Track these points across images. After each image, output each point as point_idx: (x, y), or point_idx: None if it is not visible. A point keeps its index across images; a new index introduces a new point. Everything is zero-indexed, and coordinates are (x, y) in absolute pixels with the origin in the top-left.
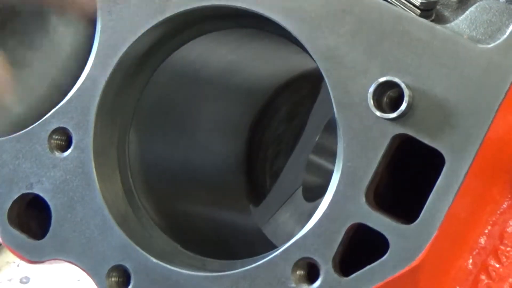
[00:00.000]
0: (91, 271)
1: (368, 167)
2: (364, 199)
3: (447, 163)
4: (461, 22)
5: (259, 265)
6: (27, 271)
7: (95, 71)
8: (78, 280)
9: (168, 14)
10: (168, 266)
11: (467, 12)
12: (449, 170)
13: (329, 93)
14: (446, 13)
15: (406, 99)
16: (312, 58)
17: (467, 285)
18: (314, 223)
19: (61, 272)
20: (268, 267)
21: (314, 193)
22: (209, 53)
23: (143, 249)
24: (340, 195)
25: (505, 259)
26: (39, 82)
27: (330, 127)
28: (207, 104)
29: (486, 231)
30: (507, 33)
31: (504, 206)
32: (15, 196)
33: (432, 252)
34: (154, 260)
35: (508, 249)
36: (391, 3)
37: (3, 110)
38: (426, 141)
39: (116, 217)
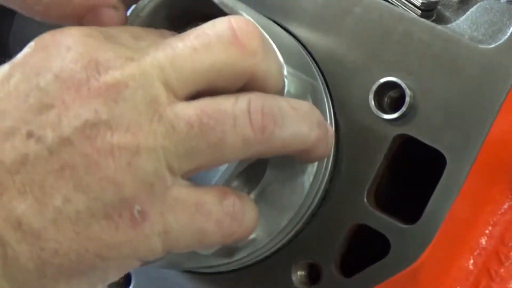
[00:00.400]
0: None
1: (369, 168)
2: (365, 200)
3: (449, 164)
4: (462, 23)
5: (260, 265)
6: None
7: None
8: None
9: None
10: None
11: (468, 12)
12: (450, 170)
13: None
14: (447, 14)
15: (407, 99)
16: (313, 58)
17: (468, 286)
18: (315, 223)
19: None
20: (269, 267)
21: None
22: None
23: None
24: (341, 196)
25: (506, 260)
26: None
27: None
28: None
29: (487, 231)
30: (508, 34)
31: (505, 206)
32: None
33: (433, 253)
34: None
35: (509, 250)
36: (391, 3)
37: None
38: (427, 141)
39: None
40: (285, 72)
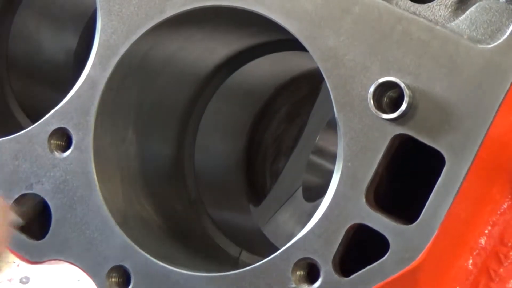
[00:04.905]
0: (91, 272)
1: (368, 167)
2: (364, 199)
3: (447, 163)
4: (461, 22)
5: (259, 265)
6: (27, 271)
7: (94, 71)
8: (78, 280)
9: (168, 14)
10: (168, 266)
11: (467, 12)
12: (449, 170)
13: (329, 93)
14: (446, 13)
15: (406, 99)
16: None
17: (467, 286)
18: (314, 223)
19: (61, 272)
20: (268, 267)
21: (314, 193)
22: (209, 53)
23: (143, 249)
24: (340, 195)
25: (505, 260)
26: None
27: (331, 128)
28: (208, 104)
29: (487, 231)
30: (507, 33)
31: (505, 206)
32: (15, 196)
33: (432, 252)
34: (154, 260)
35: (509, 249)
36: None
37: None
38: (426, 141)
39: (116, 217)
40: None
